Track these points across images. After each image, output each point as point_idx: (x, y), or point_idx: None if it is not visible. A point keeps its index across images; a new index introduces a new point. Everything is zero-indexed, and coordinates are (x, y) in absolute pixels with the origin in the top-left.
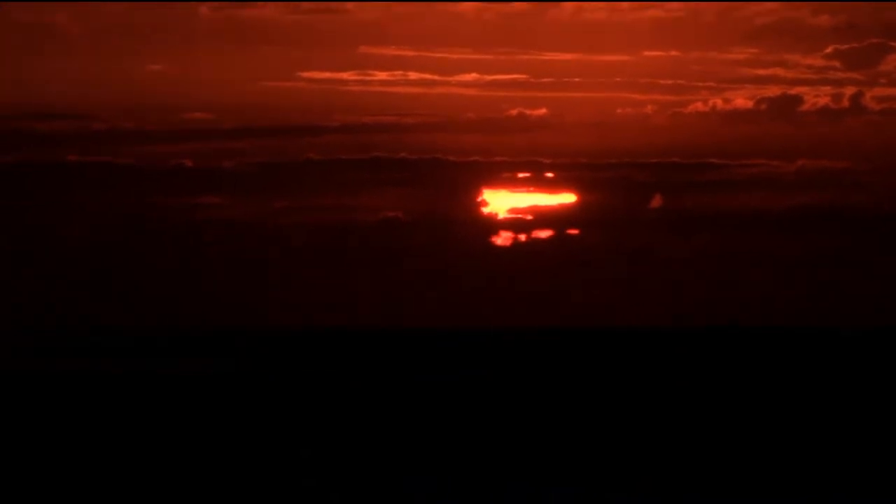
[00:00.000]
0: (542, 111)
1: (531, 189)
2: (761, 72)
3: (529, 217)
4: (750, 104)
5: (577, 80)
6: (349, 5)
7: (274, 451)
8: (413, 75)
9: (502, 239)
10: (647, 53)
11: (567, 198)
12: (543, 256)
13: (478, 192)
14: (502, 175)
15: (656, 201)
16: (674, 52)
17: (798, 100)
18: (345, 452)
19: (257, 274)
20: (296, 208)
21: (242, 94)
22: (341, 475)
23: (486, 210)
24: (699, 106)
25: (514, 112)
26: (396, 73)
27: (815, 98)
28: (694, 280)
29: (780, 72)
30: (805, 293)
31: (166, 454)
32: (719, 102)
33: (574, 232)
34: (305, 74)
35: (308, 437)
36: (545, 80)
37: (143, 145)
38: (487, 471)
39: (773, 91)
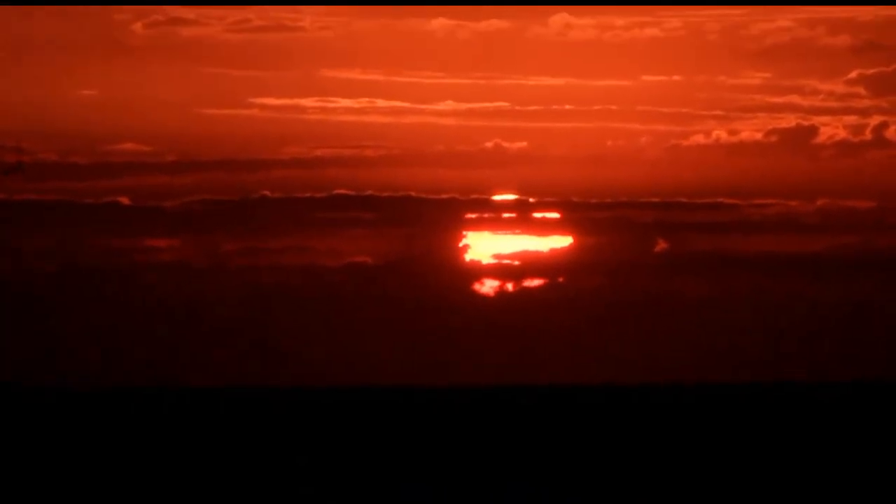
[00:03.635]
0: (523, 144)
1: (518, 231)
2: (775, 99)
3: (517, 263)
4: (758, 136)
5: (567, 107)
6: (306, 22)
7: (271, 461)
8: (381, 103)
9: (487, 288)
10: (646, 78)
11: (559, 241)
12: (534, 308)
13: (457, 234)
14: (483, 215)
15: (661, 245)
16: (676, 77)
17: (812, 131)
18: (341, 460)
19: (203, 327)
20: (248, 252)
21: (184, 122)
22: (338, 483)
23: (466, 255)
24: (700, 138)
25: (490, 144)
26: (362, 100)
27: (835, 130)
28: (707, 333)
29: (795, 99)
30: (833, 346)
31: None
32: (723, 134)
33: (568, 280)
34: (257, 100)
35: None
36: (531, 108)
37: (72, 180)
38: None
39: (787, 121)
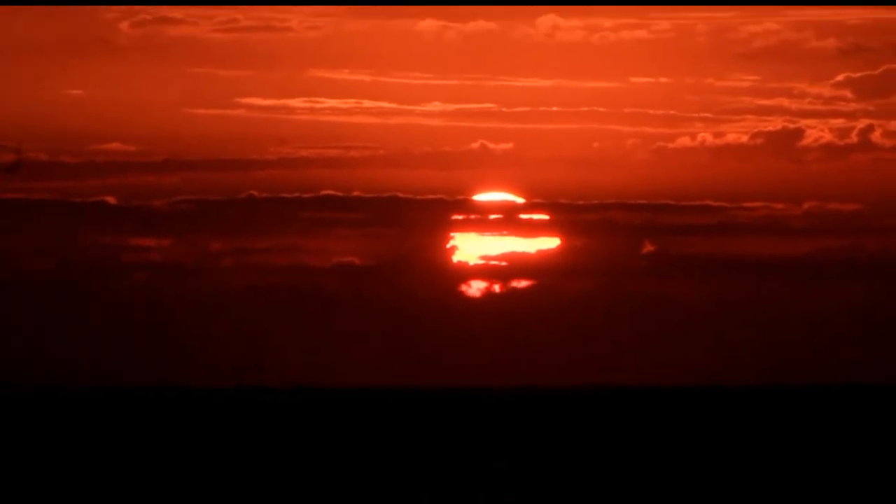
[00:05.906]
0: (509, 145)
1: (504, 232)
2: (763, 102)
3: (504, 264)
4: (745, 139)
5: (554, 109)
6: (294, 22)
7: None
8: (368, 103)
9: (474, 289)
10: (634, 80)
11: (546, 243)
12: (521, 310)
13: (444, 235)
14: (470, 216)
15: (647, 247)
16: (664, 79)
17: (799, 134)
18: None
19: (191, 326)
20: (235, 251)
21: (171, 122)
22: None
23: (454, 256)
24: (687, 141)
25: (477, 145)
26: (349, 100)
27: (821, 133)
28: (693, 336)
29: (783, 102)
30: (819, 349)
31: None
32: (710, 137)
33: (555, 282)
34: (244, 101)
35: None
36: (518, 109)
37: (60, 180)
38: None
39: (774, 124)
